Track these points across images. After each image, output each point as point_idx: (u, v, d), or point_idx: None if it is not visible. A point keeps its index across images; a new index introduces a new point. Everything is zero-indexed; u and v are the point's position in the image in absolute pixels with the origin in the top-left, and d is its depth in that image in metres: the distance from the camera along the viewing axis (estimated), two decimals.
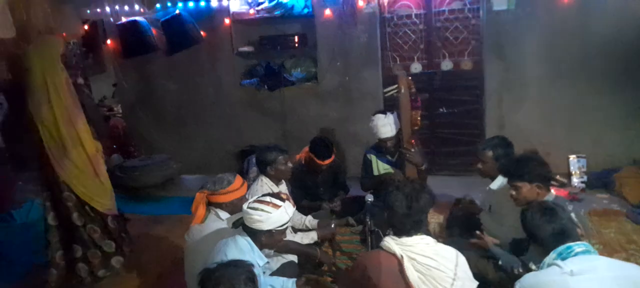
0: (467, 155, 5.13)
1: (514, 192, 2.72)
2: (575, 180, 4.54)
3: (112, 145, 6.25)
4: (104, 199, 3.68)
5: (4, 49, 3.41)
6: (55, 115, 3.38)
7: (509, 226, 3.09)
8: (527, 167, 2.64)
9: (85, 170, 3.54)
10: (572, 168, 4.61)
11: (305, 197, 4.09)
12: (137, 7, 5.49)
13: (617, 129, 4.52)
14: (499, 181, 3.15)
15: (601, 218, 3.85)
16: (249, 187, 3.27)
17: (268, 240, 2.47)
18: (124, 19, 5.65)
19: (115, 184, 5.19)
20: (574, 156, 4.60)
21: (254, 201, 2.48)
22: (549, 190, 2.66)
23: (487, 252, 2.84)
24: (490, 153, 3.14)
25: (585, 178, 4.55)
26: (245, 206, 2.48)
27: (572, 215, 2.32)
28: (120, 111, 6.84)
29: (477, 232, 2.85)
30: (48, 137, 3.42)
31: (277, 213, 2.43)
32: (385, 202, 2.23)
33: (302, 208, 3.81)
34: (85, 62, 6.97)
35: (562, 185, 4.36)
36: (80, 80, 6.32)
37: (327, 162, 3.91)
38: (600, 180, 4.48)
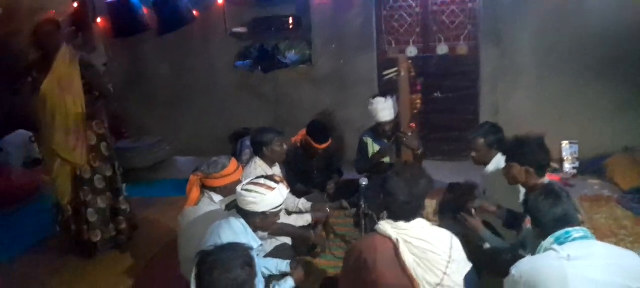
0: (461, 141, 5.13)
1: (506, 171, 2.76)
2: (567, 166, 4.57)
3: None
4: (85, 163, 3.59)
5: None
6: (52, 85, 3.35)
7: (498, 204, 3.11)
8: (522, 149, 2.65)
9: (68, 139, 3.47)
10: (564, 154, 4.64)
11: (299, 181, 4.07)
12: None
13: (610, 116, 4.55)
14: (493, 165, 3.16)
15: (592, 203, 3.88)
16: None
17: (262, 222, 2.44)
18: None
19: None
20: (567, 142, 4.62)
21: (248, 183, 2.45)
22: (540, 176, 2.66)
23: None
24: (481, 140, 3.14)
25: (577, 164, 4.58)
26: (239, 188, 2.45)
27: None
28: (111, 91, 6.73)
29: (472, 212, 2.84)
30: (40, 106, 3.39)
31: (271, 195, 2.40)
32: (384, 188, 2.21)
33: (296, 192, 3.80)
34: (75, 41, 6.83)
35: (554, 170, 4.41)
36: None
37: (324, 145, 3.89)
38: (591, 166, 4.52)
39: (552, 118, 4.70)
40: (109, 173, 3.70)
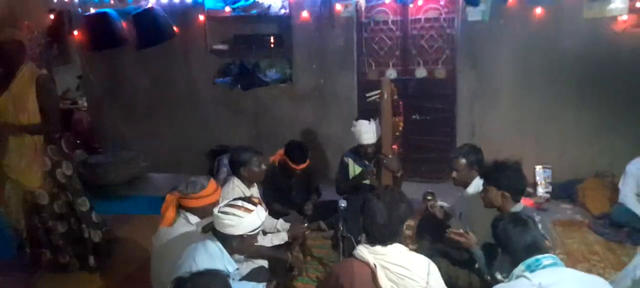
0: (438, 162, 5.20)
1: (483, 193, 2.80)
2: (540, 190, 4.66)
3: (75, 140, 6.02)
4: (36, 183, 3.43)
5: None
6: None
7: (478, 234, 3.14)
8: (499, 174, 2.70)
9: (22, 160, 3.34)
10: (538, 178, 4.73)
11: (277, 200, 4.04)
12: None
13: (582, 141, 4.68)
14: (473, 188, 3.20)
15: (565, 228, 3.96)
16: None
17: (239, 245, 2.41)
18: (92, 10, 5.45)
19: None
20: (540, 166, 4.72)
21: (226, 205, 2.42)
22: (516, 201, 2.71)
23: (458, 257, 2.88)
24: (463, 160, 3.19)
25: (550, 188, 4.68)
26: (216, 210, 2.41)
27: (540, 226, 2.36)
28: (85, 104, 6.60)
29: (461, 231, 2.84)
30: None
31: (249, 217, 2.38)
32: (363, 211, 2.21)
33: (273, 212, 3.76)
34: (49, 52, 6.70)
35: (527, 194, 4.49)
36: (44, 71, 6.10)
37: (301, 166, 3.88)
38: (564, 190, 4.62)
39: (527, 141, 4.81)
40: (69, 198, 3.55)
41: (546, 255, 2.03)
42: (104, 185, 5.13)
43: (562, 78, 4.65)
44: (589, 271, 3.09)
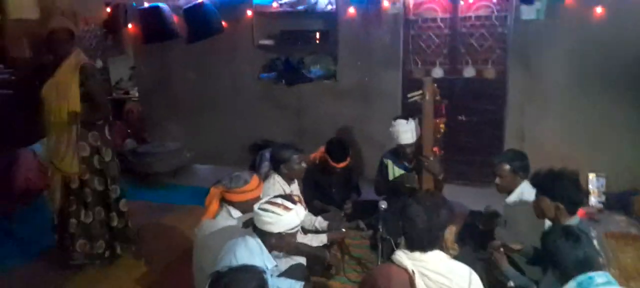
0: (484, 166, 5.03)
1: (535, 203, 2.68)
2: (593, 200, 4.42)
3: (126, 129, 6.28)
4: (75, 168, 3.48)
5: (27, 28, 3.41)
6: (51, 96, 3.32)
7: (524, 242, 3.02)
8: (554, 183, 2.55)
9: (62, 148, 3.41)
10: (590, 187, 4.48)
11: (316, 197, 4.05)
12: None
13: None
14: (517, 195, 3.08)
15: (618, 241, 3.74)
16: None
17: (278, 242, 2.43)
18: (146, 4, 5.64)
19: (127, 169, 5.29)
20: (594, 175, 4.47)
21: (265, 202, 2.44)
22: (571, 213, 2.57)
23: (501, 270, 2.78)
24: (507, 166, 3.07)
25: (603, 198, 4.42)
26: (256, 207, 2.44)
27: (595, 241, 2.24)
28: (136, 95, 6.88)
29: (498, 244, 2.75)
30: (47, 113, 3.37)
31: (288, 216, 2.39)
32: (403, 214, 2.17)
33: (313, 209, 3.78)
34: (105, 44, 7.03)
35: None
36: (99, 63, 6.39)
37: (341, 165, 3.87)
38: (619, 201, 4.36)
39: (581, 147, 4.56)
40: (100, 188, 3.58)
41: (599, 272, 1.92)
42: (150, 174, 5.33)
43: (620, 82, 4.37)
44: None
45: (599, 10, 4.34)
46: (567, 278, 1.98)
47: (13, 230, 4.29)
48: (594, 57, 4.42)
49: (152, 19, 5.58)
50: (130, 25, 6.01)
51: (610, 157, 4.49)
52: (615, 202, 4.37)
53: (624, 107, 4.41)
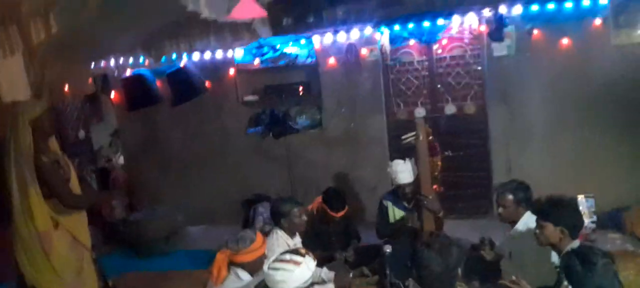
0: (476, 199, 5.15)
1: (538, 231, 2.73)
2: (586, 221, 4.50)
3: (113, 198, 6.16)
4: (53, 285, 3.09)
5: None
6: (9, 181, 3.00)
7: (531, 274, 3.06)
8: (556, 209, 2.64)
9: (33, 248, 3.02)
10: (581, 208, 4.57)
11: (318, 248, 4.02)
12: (142, 59, 5.54)
13: (624, 168, 4.57)
14: (522, 225, 3.14)
15: (618, 259, 3.76)
16: None
17: None
18: (128, 72, 5.70)
19: (118, 239, 5.17)
20: (582, 196, 4.58)
21: (274, 261, 2.43)
22: (574, 237, 2.64)
23: None
24: (510, 196, 3.14)
25: (594, 218, 4.53)
26: (265, 267, 2.42)
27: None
28: (119, 161, 6.81)
29: (514, 277, 2.79)
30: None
31: (298, 270, 2.37)
32: (417, 262, 2.20)
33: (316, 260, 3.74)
34: (84, 113, 6.99)
35: None
36: (82, 134, 6.34)
37: (340, 214, 3.89)
38: (610, 220, 4.48)
39: (567, 172, 4.71)
40: None
41: None
42: (143, 242, 5.20)
43: (595, 106, 4.60)
44: None
45: (565, 41, 4.61)
46: None
47: None
48: (569, 86, 4.65)
49: (136, 87, 5.66)
50: (113, 93, 6.02)
51: (596, 179, 4.64)
52: (607, 220, 4.49)
53: (604, 129, 4.61)
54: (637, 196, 4.49)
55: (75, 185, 3.20)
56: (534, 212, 2.82)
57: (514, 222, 3.16)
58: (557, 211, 2.62)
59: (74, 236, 3.12)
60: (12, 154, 2.95)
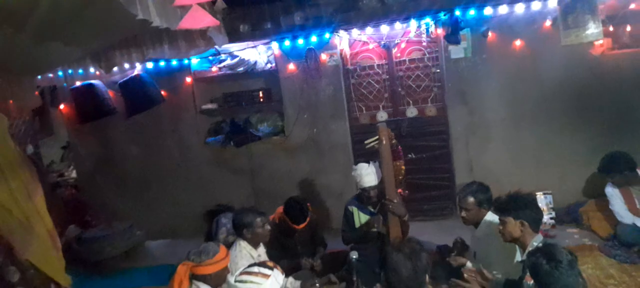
0: (440, 200, 5.20)
1: (501, 226, 2.80)
2: (544, 217, 4.63)
3: (66, 215, 5.85)
4: (64, 274, 3.41)
5: None
6: (12, 193, 3.09)
7: (495, 272, 3.09)
8: (515, 204, 2.72)
9: (47, 246, 3.27)
10: (539, 204, 4.71)
11: (283, 257, 3.94)
12: (92, 70, 5.28)
13: (579, 164, 4.72)
14: (483, 227, 3.18)
15: (576, 254, 3.92)
16: None
17: None
18: (78, 83, 5.43)
19: (73, 258, 4.88)
20: (541, 193, 4.72)
21: (242, 273, 2.36)
22: (535, 230, 2.71)
23: None
24: (471, 199, 3.18)
25: (553, 214, 4.67)
26: (232, 280, 2.34)
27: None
28: (72, 176, 6.47)
29: (473, 269, 2.82)
30: (6, 217, 3.12)
31: (267, 283, 2.33)
32: (386, 267, 2.17)
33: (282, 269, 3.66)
34: (32, 127, 6.63)
35: None
36: (30, 149, 5.99)
37: (302, 226, 3.82)
38: (568, 215, 4.63)
39: (526, 169, 4.84)
40: None
41: None
42: (101, 260, 4.95)
43: (550, 105, 4.75)
44: None
45: (518, 42, 4.74)
46: None
47: None
48: (523, 86, 4.78)
49: (87, 98, 5.39)
50: (62, 106, 5.72)
51: (554, 175, 4.80)
52: (565, 215, 4.63)
53: (559, 127, 4.77)
54: (593, 191, 4.64)
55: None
56: (495, 210, 2.88)
57: (477, 224, 3.19)
58: (516, 206, 2.71)
59: None
60: (5, 168, 3.03)
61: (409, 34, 5.06)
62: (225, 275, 2.84)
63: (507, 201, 2.77)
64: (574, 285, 2.04)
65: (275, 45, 5.12)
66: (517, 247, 2.84)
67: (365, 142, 3.60)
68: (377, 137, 3.50)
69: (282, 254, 3.94)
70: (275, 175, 5.39)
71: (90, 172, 5.85)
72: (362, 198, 3.86)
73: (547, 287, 2.11)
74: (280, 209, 3.98)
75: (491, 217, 3.11)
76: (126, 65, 5.08)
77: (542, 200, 4.70)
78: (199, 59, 5.45)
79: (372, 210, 3.88)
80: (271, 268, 2.39)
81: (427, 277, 2.24)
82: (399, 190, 3.60)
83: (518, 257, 2.88)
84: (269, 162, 5.42)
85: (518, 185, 3.99)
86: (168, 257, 4.92)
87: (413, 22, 4.79)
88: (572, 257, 2.15)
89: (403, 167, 3.60)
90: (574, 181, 4.76)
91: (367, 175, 3.74)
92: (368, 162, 3.79)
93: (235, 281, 2.31)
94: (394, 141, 3.54)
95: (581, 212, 4.48)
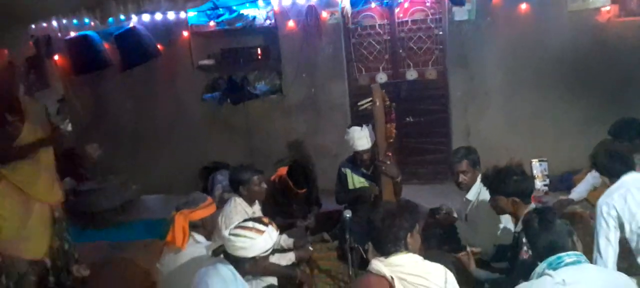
0: (436, 164, 5.20)
1: (493, 203, 2.82)
2: (538, 184, 4.67)
3: (62, 168, 5.84)
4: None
5: None
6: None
7: (485, 235, 3.14)
8: (503, 183, 2.73)
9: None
10: (534, 171, 4.74)
11: (277, 214, 3.96)
12: (87, 20, 5.16)
13: (575, 132, 4.69)
14: (474, 190, 3.20)
15: (569, 220, 3.94)
16: (217, 207, 3.12)
17: (252, 267, 2.36)
18: (73, 33, 5.32)
19: (69, 210, 4.91)
20: (536, 160, 4.73)
21: (236, 227, 2.36)
22: (528, 202, 2.72)
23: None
24: (465, 161, 3.21)
25: (547, 181, 4.70)
26: (226, 233, 2.36)
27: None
28: (68, 129, 6.43)
29: (465, 251, 2.87)
30: None
31: (261, 239, 2.33)
32: (370, 221, 2.20)
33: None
34: (28, 78, 6.54)
35: None
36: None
37: (304, 191, 3.83)
38: (562, 182, 4.64)
39: (522, 136, 4.82)
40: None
41: (569, 253, 2.02)
42: (96, 213, 4.98)
43: (551, 72, 4.68)
44: None
45: (523, 6, 4.64)
46: (539, 259, 2.08)
47: None
48: (526, 51, 4.70)
49: (81, 49, 5.29)
50: (56, 57, 5.63)
51: (550, 143, 4.79)
52: (559, 183, 4.65)
53: (558, 94, 4.71)
54: (587, 160, 4.63)
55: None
56: (485, 185, 2.89)
57: (470, 188, 3.21)
58: (504, 184, 2.71)
59: (20, 188, 3.10)
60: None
61: None
62: (216, 221, 2.95)
63: (496, 178, 2.77)
64: (565, 243, 2.05)
65: (275, 0, 4.99)
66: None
67: (359, 103, 3.57)
68: (370, 99, 3.47)
69: (277, 211, 3.97)
70: (272, 134, 5.36)
71: (85, 125, 5.80)
72: (356, 160, 3.86)
73: (532, 244, 2.14)
74: (283, 170, 3.98)
75: (480, 183, 3.13)
76: (121, 17, 4.98)
77: (537, 167, 4.72)
78: (196, 13, 5.31)
79: (365, 171, 3.88)
80: (266, 225, 2.39)
81: (409, 235, 2.23)
82: (388, 153, 3.58)
83: (511, 227, 2.91)
84: (266, 121, 5.38)
85: (514, 153, 4.01)
86: (163, 211, 4.89)
87: None
88: (566, 221, 2.17)
89: (394, 130, 3.56)
90: (569, 149, 4.75)
91: (360, 138, 3.71)
92: (361, 126, 3.75)
93: (230, 234, 2.32)
94: (387, 103, 3.50)
95: (575, 180, 4.49)
